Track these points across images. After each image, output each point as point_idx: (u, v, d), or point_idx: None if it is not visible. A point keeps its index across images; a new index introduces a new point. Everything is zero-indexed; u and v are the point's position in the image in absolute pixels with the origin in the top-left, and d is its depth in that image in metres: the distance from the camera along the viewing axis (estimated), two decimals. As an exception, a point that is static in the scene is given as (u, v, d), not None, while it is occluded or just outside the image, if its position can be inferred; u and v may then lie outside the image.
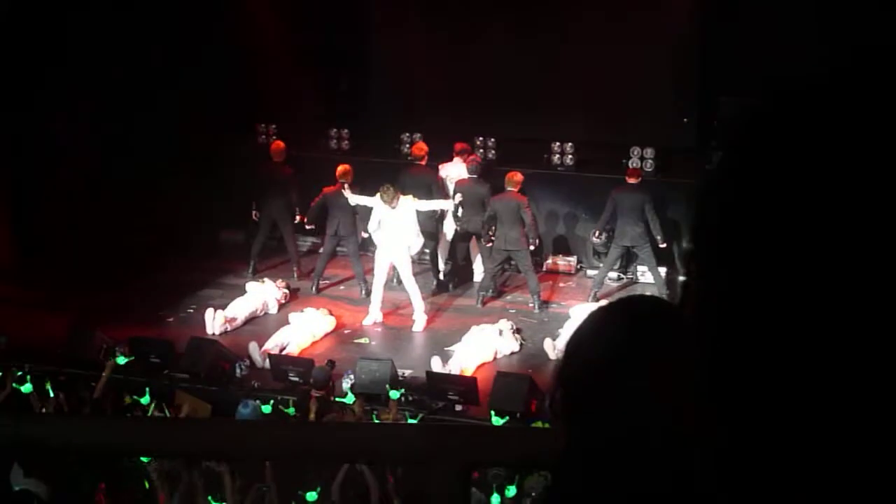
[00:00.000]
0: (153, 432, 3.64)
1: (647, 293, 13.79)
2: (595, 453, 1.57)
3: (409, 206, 15.75)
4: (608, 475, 1.52)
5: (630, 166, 16.82)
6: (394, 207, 15.59)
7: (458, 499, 3.26)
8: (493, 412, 12.69)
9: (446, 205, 16.34)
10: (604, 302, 2.34)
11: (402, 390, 13.51)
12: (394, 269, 16.10)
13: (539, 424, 11.89)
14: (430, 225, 16.88)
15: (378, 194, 15.70)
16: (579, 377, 1.79)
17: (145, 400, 12.97)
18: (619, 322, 1.82)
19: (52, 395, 12.70)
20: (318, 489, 10.22)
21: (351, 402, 12.87)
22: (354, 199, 16.12)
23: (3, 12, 17.09)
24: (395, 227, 15.67)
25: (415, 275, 16.96)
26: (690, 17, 17.55)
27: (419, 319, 15.88)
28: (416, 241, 15.97)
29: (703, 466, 1.03)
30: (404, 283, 15.92)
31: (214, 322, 15.61)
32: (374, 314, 15.99)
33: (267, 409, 12.78)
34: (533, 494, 10.33)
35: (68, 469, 10.53)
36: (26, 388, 12.63)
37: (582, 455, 1.62)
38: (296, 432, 3.95)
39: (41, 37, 17.36)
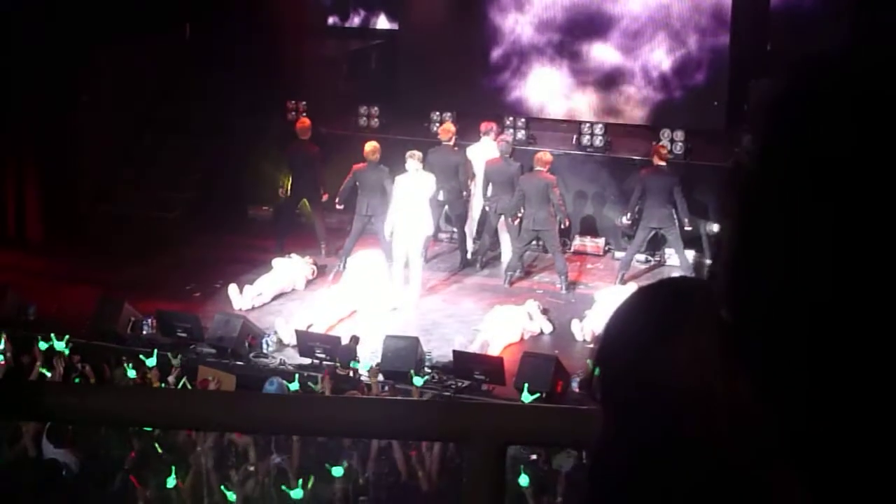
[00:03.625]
0: (178, 404, 3.63)
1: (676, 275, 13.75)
2: (635, 440, 1.55)
3: (431, 183, 15.86)
4: (649, 464, 1.49)
5: (658, 147, 16.75)
6: (418, 170, 15.76)
7: (493, 476, 3.25)
8: (524, 388, 12.67)
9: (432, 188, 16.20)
10: (642, 283, 2.32)
11: (427, 377, 13.52)
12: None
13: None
14: (459, 204, 16.90)
15: (408, 160, 15.82)
16: (617, 360, 1.77)
17: (151, 362, 13.06)
18: (659, 302, 1.80)
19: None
20: (344, 464, 10.24)
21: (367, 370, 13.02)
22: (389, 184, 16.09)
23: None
24: (413, 205, 15.73)
25: (442, 254, 17.08)
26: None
27: (414, 296, 15.93)
28: (429, 225, 16.05)
29: (762, 448, 1.02)
30: (412, 262, 15.92)
31: (242, 297, 15.65)
32: (399, 293, 15.98)
33: (294, 386, 12.79)
34: (563, 471, 10.32)
35: (97, 440, 10.60)
36: (59, 345, 12.77)
37: (621, 442, 1.60)
38: (323, 408, 3.94)
39: (76, 13, 17.36)
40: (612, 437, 1.63)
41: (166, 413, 3.59)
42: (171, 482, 9.89)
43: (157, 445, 10.49)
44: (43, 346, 13.14)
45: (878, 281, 0.93)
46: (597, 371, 1.77)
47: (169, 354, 13.35)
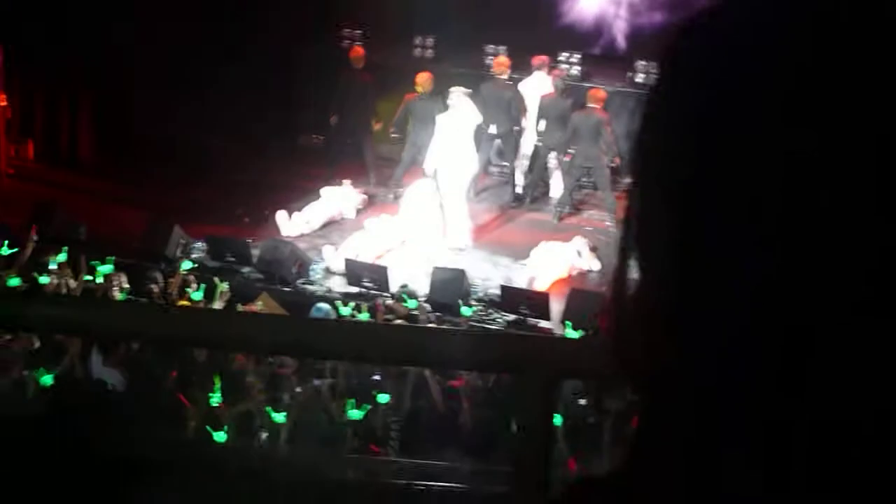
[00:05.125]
0: (220, 324, 3.64)
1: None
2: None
3: (473, 119, 15.79)
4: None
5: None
6: (462, 106, 15.70)
7: (544, 408, 3.25)
8: (568, 324, 12.65)
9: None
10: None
11: (474, 308, 13.55)
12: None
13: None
14: (511, 139, 16.83)
15: (450, 96, 15.75)
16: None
17: (197, 295, 12.88)
18: None
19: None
20: (367, 406, 10.28)
21: (414, 307, 12.97)
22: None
23: None
24: (456, 142, 15.66)
25: (492, 188, 17.08)
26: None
27: (461, 238, 15.77)
28: (473, 161, 16.01)
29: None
30: (455, 203, 15.82)
31: (290, 224, 15.69)
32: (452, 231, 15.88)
33: (344, 311, 12.78)
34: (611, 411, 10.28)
35: (142, 359, 10.67)
36: (107, 268, 12.73)
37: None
38: (378, 335, 3.94)
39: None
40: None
41: (207, 332, 3.61)
42: (215, 400, 9.96)
43: (207, 367, 10.57)
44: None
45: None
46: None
47: (216, 279, 13.29)
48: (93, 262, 12.96)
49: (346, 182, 16.64)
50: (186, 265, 13.62)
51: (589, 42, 18.60)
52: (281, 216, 15.74)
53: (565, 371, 3.48)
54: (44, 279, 12.50)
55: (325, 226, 16.05)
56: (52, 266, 12.82)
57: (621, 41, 18.63)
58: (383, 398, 10.20)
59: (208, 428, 9.57)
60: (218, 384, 9.99)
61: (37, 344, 10.87)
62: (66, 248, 13.02)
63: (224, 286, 13.03)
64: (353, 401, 10.02)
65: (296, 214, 15.84)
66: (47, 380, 10.08)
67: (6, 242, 13.20)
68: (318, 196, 16.33)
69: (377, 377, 10.71)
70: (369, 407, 10.05)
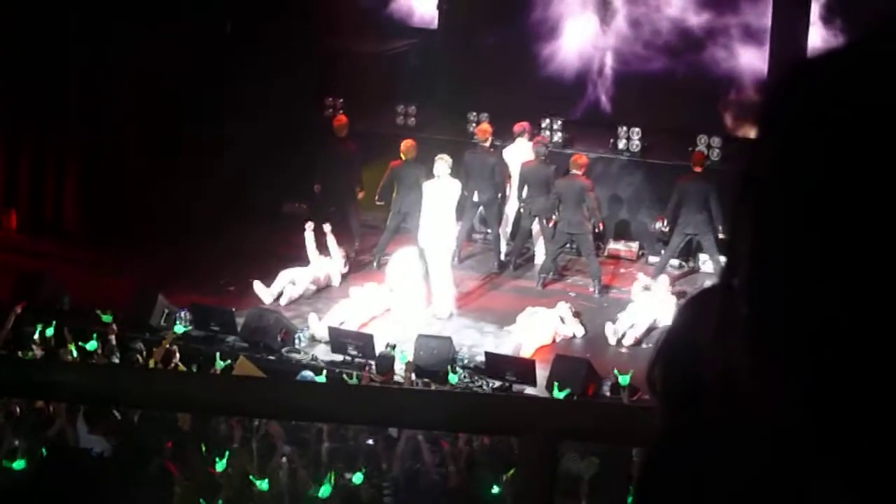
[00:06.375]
0: (203, 388, 3.62)
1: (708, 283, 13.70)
2: (700, 439, 1.53)
3: (456, 190, 15.86)
4: (701, 455, 1.47)
5: (695, 153, 16.72)
6: (447, 175, 15.81)
7: (545, 470, 3.24)
8: (555, 384, 12.64)
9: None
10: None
11: (461, 372, 13.56)
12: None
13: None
14: (494, 206, 16.87)
15: (436, 164, 15.81)
16: (674, 357, 1.76)
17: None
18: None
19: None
20: (363, 469, 10.25)
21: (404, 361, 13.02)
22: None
23: None
24: (438, 212, 15.69)
25: (476, 255, 17.09)
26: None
27: (446, 307, 15.78)
28: (451, 239, 16.05)
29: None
30: (439, 271, 15.85)
31: (268, 291, 15.60)
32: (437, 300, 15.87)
33: (321, 380, 12.77)
34: (585, 478, 10.26)
35: (131, 427, 10.63)
36: (91, 345, 12.74)
37: (685, 439, 1.58)
38: (375, 398, 3.94)
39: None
40: (670, 429, 1.62)
41: (194, 395, 3.59)
42: (220, 465, 9.96)
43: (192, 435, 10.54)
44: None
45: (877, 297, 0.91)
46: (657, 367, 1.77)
47: (218, 356, 13.24)
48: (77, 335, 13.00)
49: (331, 250, 16.55)
50: (179, 329, 13.67)
51: (571, 108, 18.71)
52: (258, 285, 15.63)
53: (564, 432, 3.49)
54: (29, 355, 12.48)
55: (310, 293, 15.97)
56: (36, 338, 12.83)
57: (603, 107, 18.77)
58: (358, 477, 10.14)
59: (202, 501, 9.52)
60: (226, 453, 9.98)
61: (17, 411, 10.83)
62: (50, 323, 13.10)
63: (219, 364, 13.01)
64: (329, 476, 9.98)
65: (280, 274, 15.76)
66: (19, 465, 9.99)
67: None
68: (304, 262, 16.26)
69: (370, 441, 10.69)
70: (334, 479, 10.01)
